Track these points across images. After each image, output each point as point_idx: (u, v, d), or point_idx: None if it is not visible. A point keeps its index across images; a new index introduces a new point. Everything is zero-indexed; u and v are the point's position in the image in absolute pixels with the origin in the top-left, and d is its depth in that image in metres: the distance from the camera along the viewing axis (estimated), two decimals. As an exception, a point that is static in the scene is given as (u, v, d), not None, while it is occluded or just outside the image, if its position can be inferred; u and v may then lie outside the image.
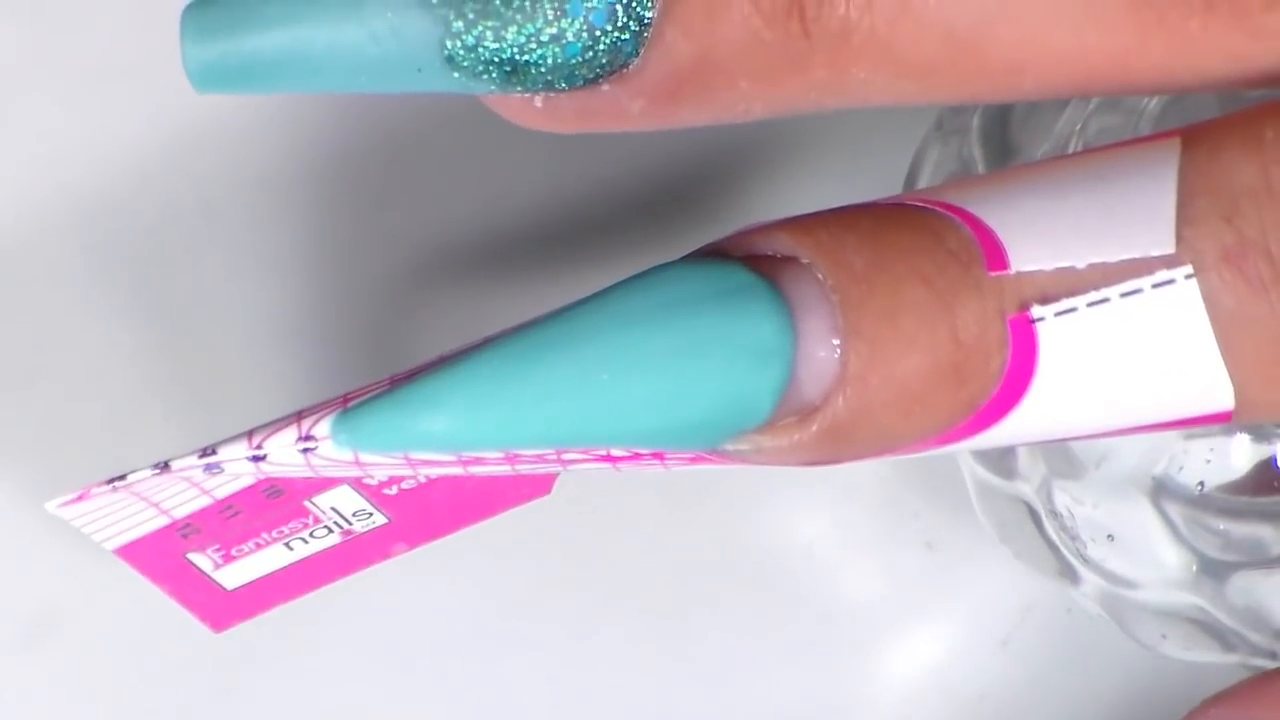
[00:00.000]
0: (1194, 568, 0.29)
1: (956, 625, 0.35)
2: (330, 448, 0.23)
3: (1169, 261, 0.21)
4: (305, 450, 0.23)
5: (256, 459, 0.23)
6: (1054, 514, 0.30)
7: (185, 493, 0.25)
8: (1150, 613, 0.30)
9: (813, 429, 0.22)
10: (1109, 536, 0.29)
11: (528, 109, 0.23)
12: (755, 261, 0.22)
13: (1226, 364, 0.22)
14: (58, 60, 0.32)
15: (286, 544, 0.28)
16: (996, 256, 0.22)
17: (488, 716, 0.34)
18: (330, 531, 0.28)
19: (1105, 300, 0.21)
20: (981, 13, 0.22)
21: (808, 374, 0.22)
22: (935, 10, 0.22)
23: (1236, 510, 0.29)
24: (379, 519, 0.28)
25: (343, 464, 0.23)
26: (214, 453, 0.24)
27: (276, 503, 0.26)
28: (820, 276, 0.22)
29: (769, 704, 0.35)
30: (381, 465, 0.23)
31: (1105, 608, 0.30)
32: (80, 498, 0.25)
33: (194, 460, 0.24)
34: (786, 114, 0.23)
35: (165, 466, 0.24)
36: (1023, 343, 0.22)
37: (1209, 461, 0.29)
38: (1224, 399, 0.22)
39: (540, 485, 0.29)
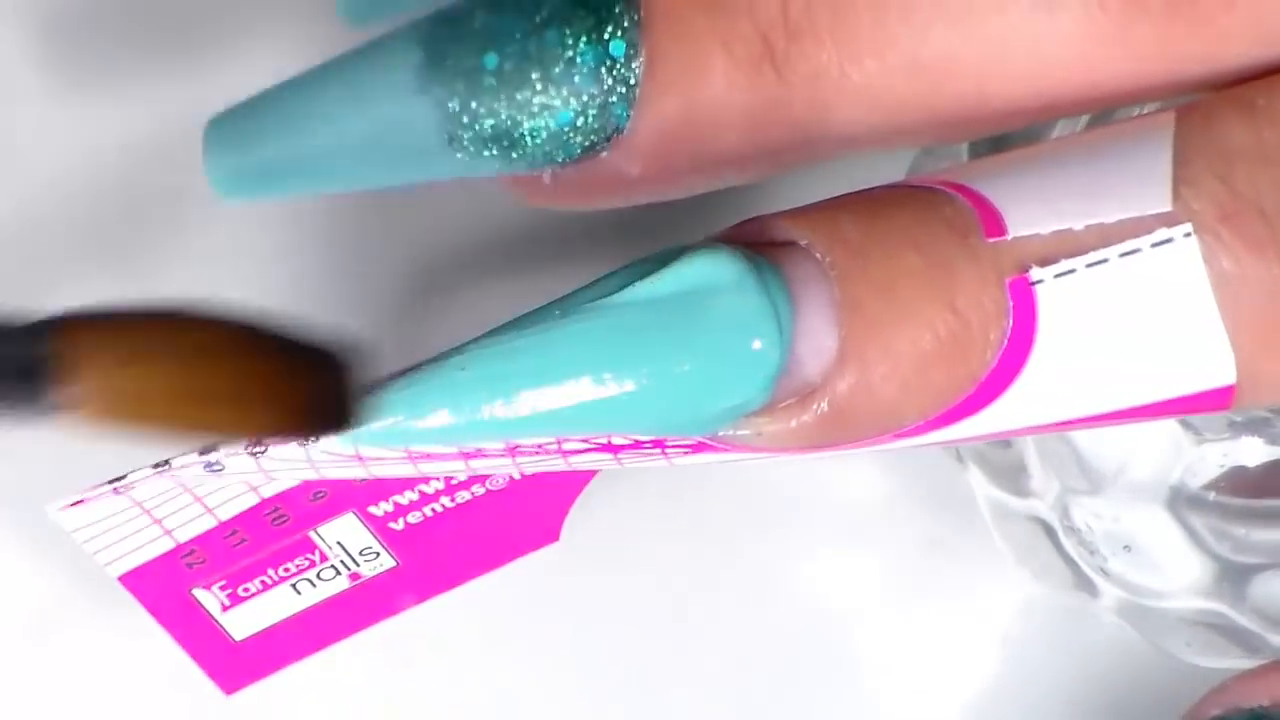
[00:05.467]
0: (1215, 573, 0.29)
1: (956, 625, 0.34)
2: (331, 440, 0.23)
3: (1167, 220, 0.21)
4: (304, 444, 0.23)
5: (256, 454, 0.23)
6: (1072, 530, 0.29)
7: (188, 509, 0.25)
8: (1173, 621, 0.30)
9: (813, 409, 0.22)
10: (1126, 548, 0.29)
11: (538, 187, 0.23)
12: (755, 248, 0.22)
13: (1225, 329, 0.21)
14: (57, 60, 0.32)
15: (294, 585, 0.27)
16: (994, 224, 0.22)
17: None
18: (338, 573, 0.28)
19: (1104, 261, 0.21)
20: (943, 42, 0.22)
21: (806, 350, 0.22)
22: (899, 44, 0.22)
23: (1254, 514, 0.28)
24: (386, 560, 0.27)
25: (343, 458, 0.23)
26: (214, 449, 0.24)
27: (282, 530, 0.26)
28: (818, 255, 0.22)
29: (770, 704, 0.34)
30: (383, 460, 0.23)
31: (1126, 619, 0.30)
32: (82, 501, 0.25)
33: (194, 458, 0.24)
34: (786, 166, 0.24)
35: (166, 464, 0.24)
36: (1022, 308, 0.22)
37: (1223, 467, 0.28)
38: (1224, 368, 0.22)
39: (548, 531, 0.28)
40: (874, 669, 0.35)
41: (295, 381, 0.21)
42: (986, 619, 0.34)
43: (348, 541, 0.27)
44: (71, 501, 0.25)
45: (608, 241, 0.32)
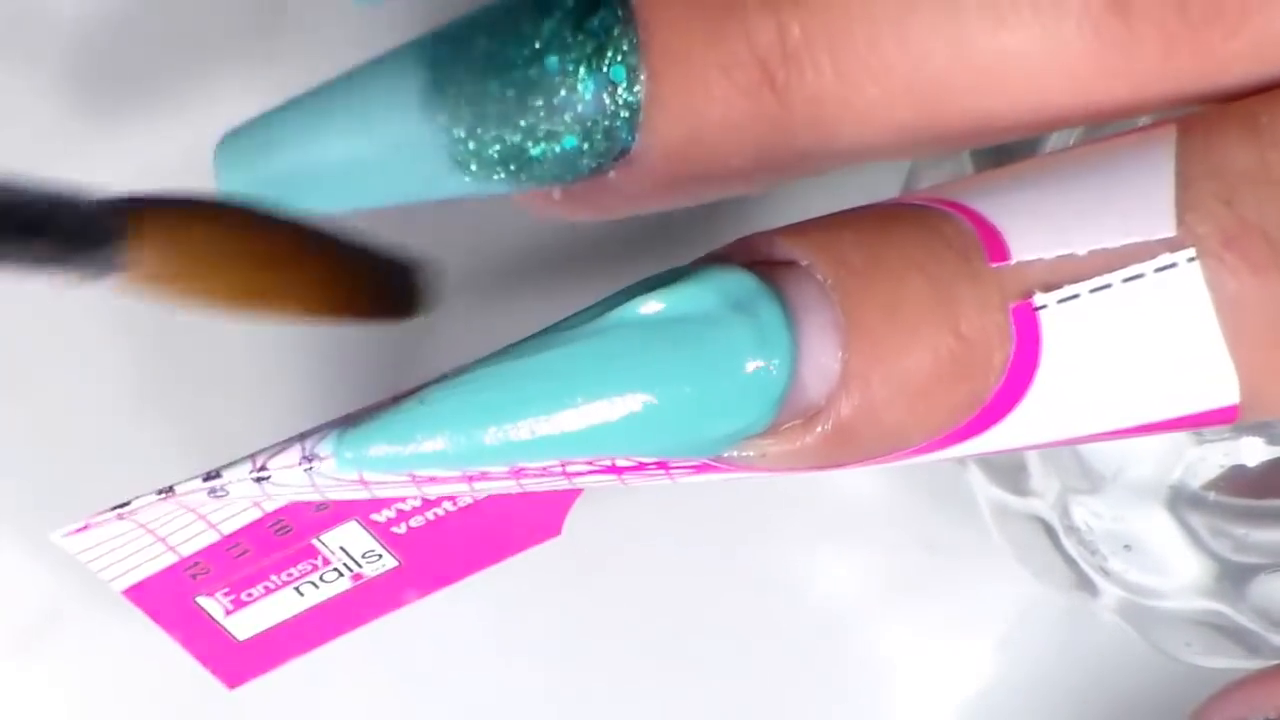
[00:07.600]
0: (1215, 573, 0.29)
1: (956, 625, 0.34)
2: (333, 467, 0.22)
3: (1170, 245, 0.21)
4: (308, 470, 0.23)
5: (260, 479, 0.23)
6: (1072, 529, 0.29)
7: (191, 526, 0.25)
8: (1173, 621, 0.30)
9: (817, 431, 0.22)
10: (1126, 547, 0.29)
11: (547, 202, 0.24)
12: (756, 268, 0.22)
13: (1230, 351, 0.21)
14: (60, 70, 0.32)
15: (297, 589, 0.27)
16: (997, 248, 0.22)
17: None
18: (340, 575, 0.28)
19: (1107, 286, 0.21)
20: (942, 68, 0.22)
21: (810, 373, 0.22)
22: (897, 70, 0.22)
23: (1254, 514, 0.28)
24: (389, 561, 0.27)
25: (347, 483, 0.23)
26: (218, 475, 0.23)
27: (285, 540, 0.26)
28: (819, 276, 0.22)
29: (771, 704, 0.34)
30: (387, 484, 0.23)
31: (1126, 618, 0.30)
32: (85, 527, 0.24)
33: (198, 484, 0.24)
34: (794, 178, 0.24)
35: (170, 491, 0.24)
36: (1026, 333, 0.21)
37: (1223, 466, 0.28)
38: (1229, 389, 0.22)
39: (550, 526, 0.28)
40: (874, 668, 0.35)
41: (362, 267, 0.21)
42: (986, 619, 0.34)
43: (350, 546, 0.27)
44: (75, 528, 0.25)
45: (613, 250, 0.32)
